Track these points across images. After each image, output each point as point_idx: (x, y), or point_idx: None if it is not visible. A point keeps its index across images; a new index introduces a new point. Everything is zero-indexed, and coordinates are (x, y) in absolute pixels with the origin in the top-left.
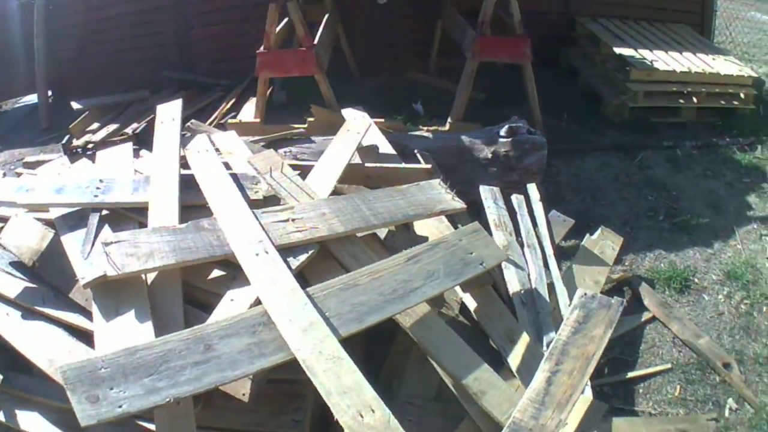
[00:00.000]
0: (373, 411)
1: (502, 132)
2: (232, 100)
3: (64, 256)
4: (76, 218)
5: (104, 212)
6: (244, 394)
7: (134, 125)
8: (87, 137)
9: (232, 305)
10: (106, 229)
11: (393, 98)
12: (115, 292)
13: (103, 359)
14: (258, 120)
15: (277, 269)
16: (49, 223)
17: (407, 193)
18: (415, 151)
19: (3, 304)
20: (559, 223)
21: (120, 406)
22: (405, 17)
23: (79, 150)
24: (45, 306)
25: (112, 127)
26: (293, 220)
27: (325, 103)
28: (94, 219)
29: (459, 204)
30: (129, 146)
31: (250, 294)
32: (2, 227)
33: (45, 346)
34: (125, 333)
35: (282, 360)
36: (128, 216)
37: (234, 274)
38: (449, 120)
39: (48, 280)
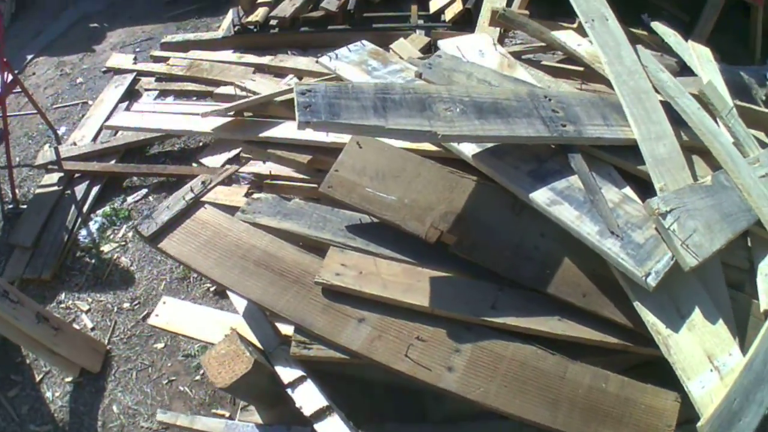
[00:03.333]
0: None
1: None
2: None
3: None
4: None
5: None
6: None
7: (331, 2)
8: (262, 11)
9: None
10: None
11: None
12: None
13: None
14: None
15: None
16: None
17: None
18: None
19: None
20: None
21: None
22: None
23: (254, 28)
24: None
25: (297, 1)
26: None
27: None
28: (579, 163)
29: None
30: (485, 36)
31: None
32: None
33: None
34: None
35: None
36: (600, 157)
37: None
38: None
39: (484, 264)
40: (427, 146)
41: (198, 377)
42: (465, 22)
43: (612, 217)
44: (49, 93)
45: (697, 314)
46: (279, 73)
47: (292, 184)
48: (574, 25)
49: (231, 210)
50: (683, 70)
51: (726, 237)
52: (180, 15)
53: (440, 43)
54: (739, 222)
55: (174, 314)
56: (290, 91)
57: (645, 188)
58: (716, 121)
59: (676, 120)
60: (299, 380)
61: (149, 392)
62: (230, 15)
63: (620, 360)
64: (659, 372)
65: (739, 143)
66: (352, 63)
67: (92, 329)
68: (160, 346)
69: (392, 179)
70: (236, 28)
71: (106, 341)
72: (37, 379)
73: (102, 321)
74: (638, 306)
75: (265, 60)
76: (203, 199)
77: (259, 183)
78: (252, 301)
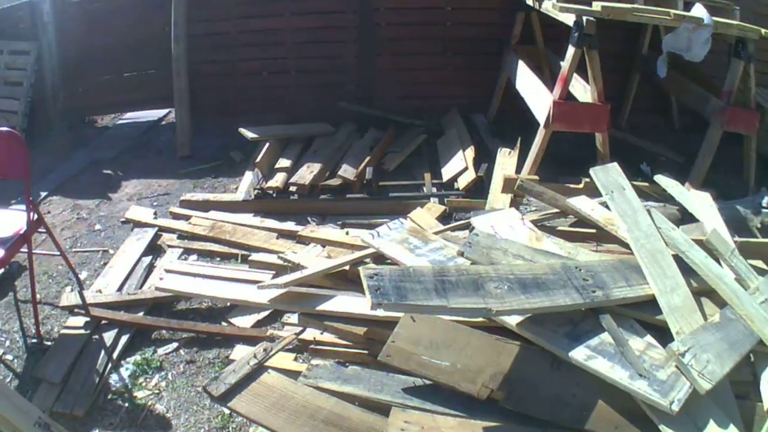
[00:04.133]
0: None
1: (764, 202)
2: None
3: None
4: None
5: None
6: None
7: (347, 168)
8: (281, 177)
9: None
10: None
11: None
12: None
13: None
14: (534, 176)
15: None
16: None
17: None
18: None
19: None
20: None
21: None
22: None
23: (273, 193)
24: None
25: (315, 167)
26: None
27: (599, 161)
28: (609, 322)
29: None
30: (513, 212)
31: None
32: None
33: None
34: None
35: None
36: (624, 313)
37: None
38: (687, 185)
39: (529, 413)
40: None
41: None
42: (477, 190)
43: (639, 363)
44: (67, 235)
45: (711, 425)
46: (305, 242)
47: (336, 350)
48: (581, 186)
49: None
50: (684, 215)
51: (734, 361)
52: (194, 172)
53: (473, 221)
54: (744, 346)
55: None
56: (342, 265)
57: (661, 333)
58: (719, 263)
59: (686, 269)
60: None
61: None
62: (248, 177)
63: None
64: None
65: (741, 278)
66: (395, 241)
67: None
68: None
69: (445, 348)
70: (256, 192)
71: None
72: None
73: None
74: (663, 428)
75: (288, 226)
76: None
77: (303, 347)
78: None
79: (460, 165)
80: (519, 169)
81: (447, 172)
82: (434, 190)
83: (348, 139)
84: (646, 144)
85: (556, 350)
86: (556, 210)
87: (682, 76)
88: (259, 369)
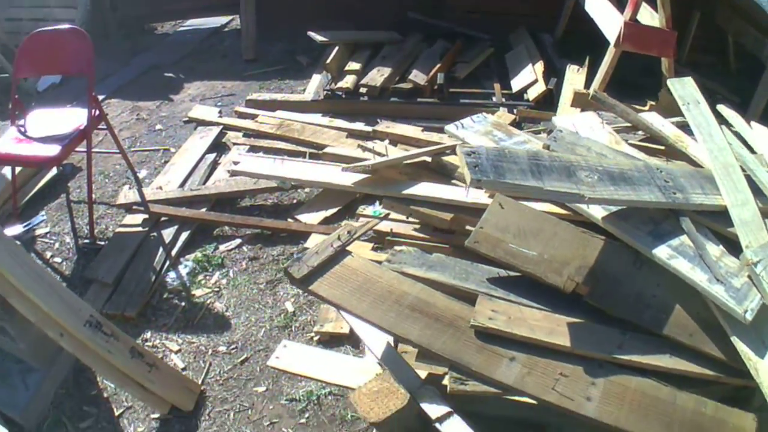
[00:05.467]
0: None
1: None
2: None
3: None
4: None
5: None
6: None
7: (417, 73)
8: (351, 78)
9: None
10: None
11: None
12: None
13: None
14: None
15: None
16: None
17: None
18: None
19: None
20: None
21: None
22: None
23: (342, 95)
24: (624, 353)
25: (386, 70)
26: None
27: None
28: (689, 225)
29: None
30: (593, 115)
31: None
32: None
33: None
34: None
35: None
36: (699, 221)
37: None
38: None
39: (610, 311)
40: (555, 209)
41: (303, 420)
42: (546, 102)
43: (716, 267)
44: (126, 135)
45: None
46: (379, 138)
47: (413, 243)
48: (646, 108)
49: None
50: None
51: None
52: (260, 75)
53: (555, 119)
54: None
55: (296, 357)
56: (424, 153)
57: (731, 246)
58: None
59: (754, 190)
60: (447, 415)
61: None
62: (316, 79)
63: (714, 389)
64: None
65: None
66: (479, 133)
67: (183, 369)
68: (260, 389)
69: (532, 237)
70: (325, 93)
71: (200, 382)
72: (117, 413)
73: (194, 362)
74: (735, 339)
75: (358, 126)
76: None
77: (380, 240)
78: (411, 343)
79: (530, 77)
80: (587, 86)
81: (517, 83)
82: (503, 100)
83: (416, 48)
84: (704, 81)
85: (640, 247)
86: (626, 124)
87: (741, 18)
88: (342, 253)
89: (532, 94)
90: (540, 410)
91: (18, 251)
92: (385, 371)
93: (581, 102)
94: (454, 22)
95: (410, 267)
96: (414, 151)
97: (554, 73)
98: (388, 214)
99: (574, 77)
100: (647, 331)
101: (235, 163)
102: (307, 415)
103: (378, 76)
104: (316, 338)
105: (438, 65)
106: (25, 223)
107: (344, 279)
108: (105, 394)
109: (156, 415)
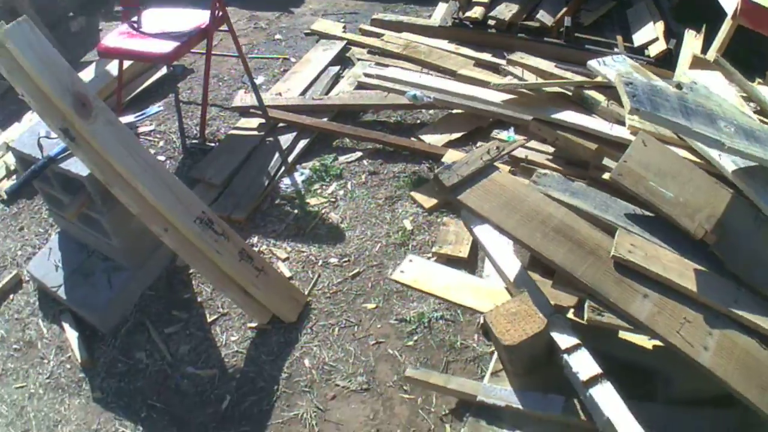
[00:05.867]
0: None
1: None
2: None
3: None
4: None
5: None
6: None
7: (544, 14)
8: (479, 10)
9: None
10: None
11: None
12: None
13: None
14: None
15: None
16: None
17: None
18: None
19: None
20: None
21: None
22: None
23: (470, 24)
24: (739, 308)
25: (514, 6)
26: None
27: None
28: None
29: None
30: (719, 74)
31: None
32: None
33: None
34: None
35: None
36: None
37: None
38: None
39: (728, 265)
40: (691, 156)
41: (411, 343)
42: (665, 61)
43: None
44: (243, 42)
45: None
46: (510, 69)
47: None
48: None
49: None
50: None
51: None
52: None
53: (690, 72)
54: None
55: (421, 272)
56: (568, 83)
57: None
58: None
59: None
60: (576, 347)
61: (352, 350)
62: (443, 6)
63: None
64: None
65: None
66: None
67: (289, 279)
68: (370, 306)
69: (670, 179)
70: (453, 20)
71: (306, 293)
72: (209, 319)
73: (302, 272)
74: None
75: (485, 56)
76: None
77: (514, 164)
78: (555, 264)
79: (651, 34)
80: (702, 53)
81: (639, 38)
82: (625, 52)
83: None
84: None
85: (763, 206)
86: (742, 94)
87: None
88: (491, 167)
89: (653, 50)
90: (653, 355)
91: (130, 139)
92: (523, 293)
93: (700, 66)
94: None
95: (555, 191)
96: (557, 80)
97: (672, 35)
98: (526, 139)
99: (692, 41)
100: (756, 291)
101: (368, 73)
102: (415, 338)
103: (506, 10)
104: (432, 260)
105: (564, 9)
106: (138, 113)
107: (492, 193)
108: (199, 299)
109: (253, 324)
